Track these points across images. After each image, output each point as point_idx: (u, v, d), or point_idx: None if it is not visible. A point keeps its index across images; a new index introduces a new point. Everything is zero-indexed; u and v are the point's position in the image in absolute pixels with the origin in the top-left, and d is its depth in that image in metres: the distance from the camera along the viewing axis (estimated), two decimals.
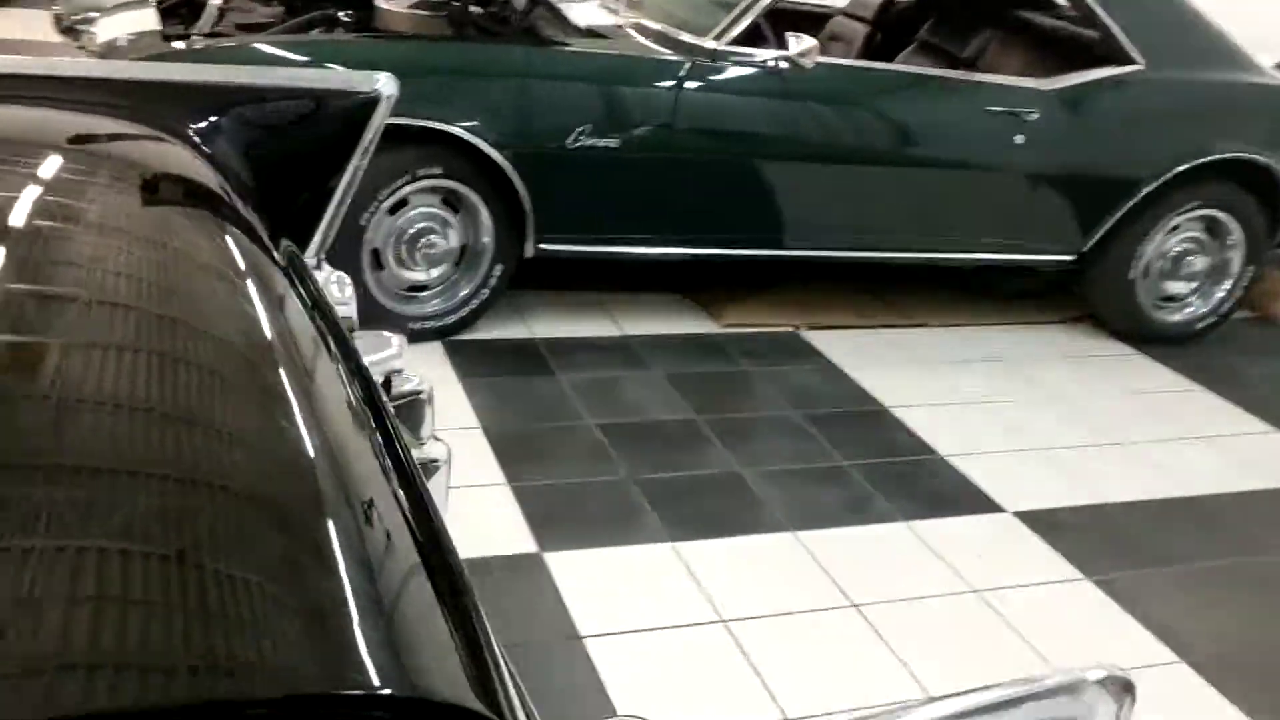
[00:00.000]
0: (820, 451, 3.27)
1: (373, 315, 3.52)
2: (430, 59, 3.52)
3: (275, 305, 1.26)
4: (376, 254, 3.51)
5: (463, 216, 3.59)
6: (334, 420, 1.08)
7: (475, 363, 3.55)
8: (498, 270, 3.64)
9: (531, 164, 3.48)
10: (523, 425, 3.21)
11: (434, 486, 1.90)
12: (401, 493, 1.04)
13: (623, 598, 2.53)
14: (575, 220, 3.67)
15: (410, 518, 1.00)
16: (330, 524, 0.91)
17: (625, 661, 2.34)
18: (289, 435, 0.99)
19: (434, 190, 3.52)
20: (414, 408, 1.93)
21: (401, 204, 3.49)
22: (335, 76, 2.09)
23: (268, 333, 1.18)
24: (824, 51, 4.29)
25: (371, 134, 2.03)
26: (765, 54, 3.66)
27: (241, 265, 1.34)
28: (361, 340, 1.95)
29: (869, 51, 4.65)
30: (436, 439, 1.95)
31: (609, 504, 2.88)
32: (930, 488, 3.16)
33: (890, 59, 4.41)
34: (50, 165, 1.49)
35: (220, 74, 2.06)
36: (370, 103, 2.03)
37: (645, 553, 2.70)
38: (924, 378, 3.85)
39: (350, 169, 2.03)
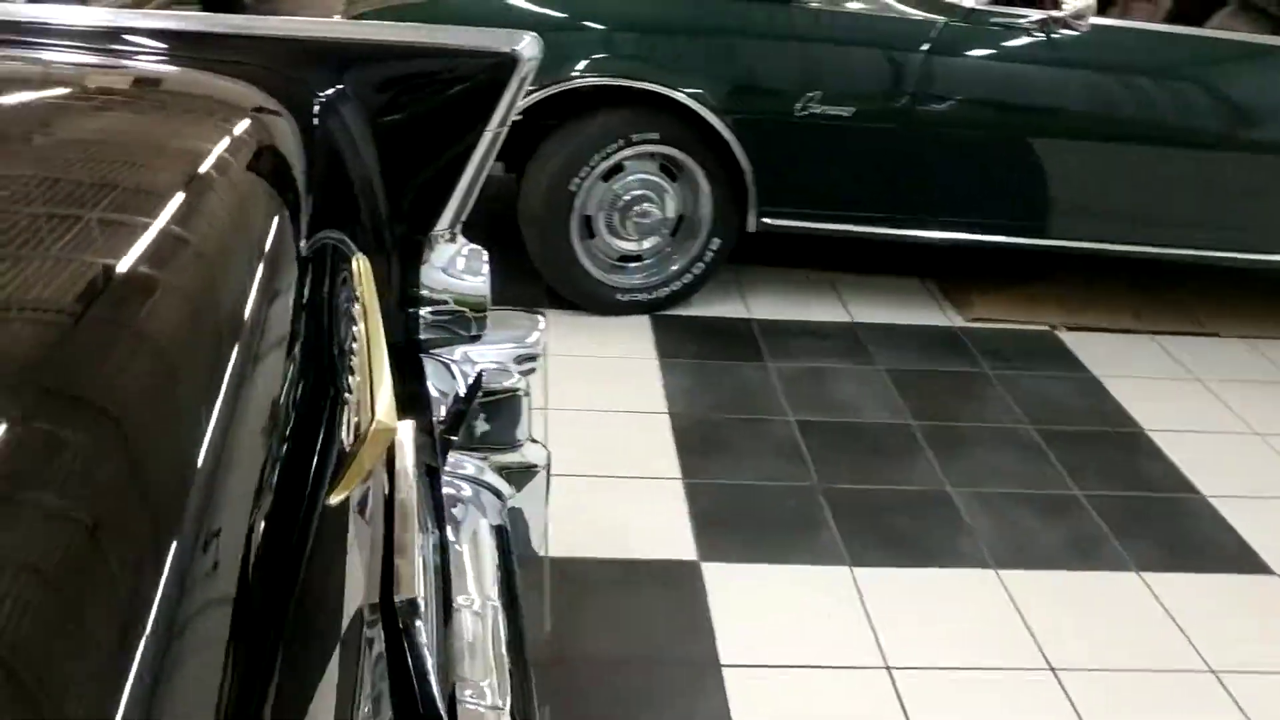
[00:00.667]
0: (1051, 476, 2.84)
1: (579, 285, 3.39)
2: (652, 15, 3.32)
3: (248, 300, 1.09)
4: (587, 221, 3.36)
5: (680, 185, 3.38)
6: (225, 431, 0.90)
7: (680, 341, 3.35)
8: (715, 244, 3.41)
9: (755, 132, 3.21)
10: (714, 414, 2.98)
11: (529, 494, 1.74)
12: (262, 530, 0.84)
13: (778, 624, 2.27)
14: (802, 194, 3.37)
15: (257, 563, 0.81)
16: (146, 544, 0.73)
17: (764, 700, 2.08)
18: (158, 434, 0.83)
19: (651, 156, 3.32)
20: (507, 406, 1.76)
21: (616, 170, 3.31)
22: (470, 35, 1.91)
23: (217, 327, 1.01)
24: (1126, 13, 3.73)
25: (508, 100, 1.84)
26: (1032, 14, 3.20)
27: (242, 249, 1.17)
28: (494, 319, 1.80)
29: (1179, 12, 4.02)
30: (534, 441, 1.76)
31: (787, 513, 2.61)
32: (1179, 534, 2.67)
33: (1202, 21, 3.77)
34: (115, 121, 1.42)
35: (344, 30, 1.95)
36: (507, 65, 1.85)
37: (816, 575, 2.42)
38: (1199, 399, 3.29)
39: (485, 138, 1.86)
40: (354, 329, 1.20)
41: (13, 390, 0.78)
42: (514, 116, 1.82)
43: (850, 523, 2.58)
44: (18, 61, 1.53)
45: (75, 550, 0.68)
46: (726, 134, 3.19)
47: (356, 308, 1.23)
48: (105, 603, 0.66)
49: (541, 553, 1.71)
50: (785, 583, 2.39)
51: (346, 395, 1.09)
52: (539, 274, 3.41)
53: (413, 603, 1.05)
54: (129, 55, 1.66)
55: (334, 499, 0.97)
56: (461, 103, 1.84)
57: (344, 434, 1.04)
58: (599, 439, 2.82)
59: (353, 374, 1.13)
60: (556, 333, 3.32)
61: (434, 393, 1.74)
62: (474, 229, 1.89)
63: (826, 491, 2.69)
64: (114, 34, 1.62)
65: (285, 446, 0.94)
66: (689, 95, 3.15)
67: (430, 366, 1.77)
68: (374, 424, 1.06)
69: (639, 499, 2.60)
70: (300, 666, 0.82)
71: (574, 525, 2.47)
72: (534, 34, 1.80)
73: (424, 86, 1.85)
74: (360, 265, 1.33)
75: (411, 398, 1.66)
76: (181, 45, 1.70)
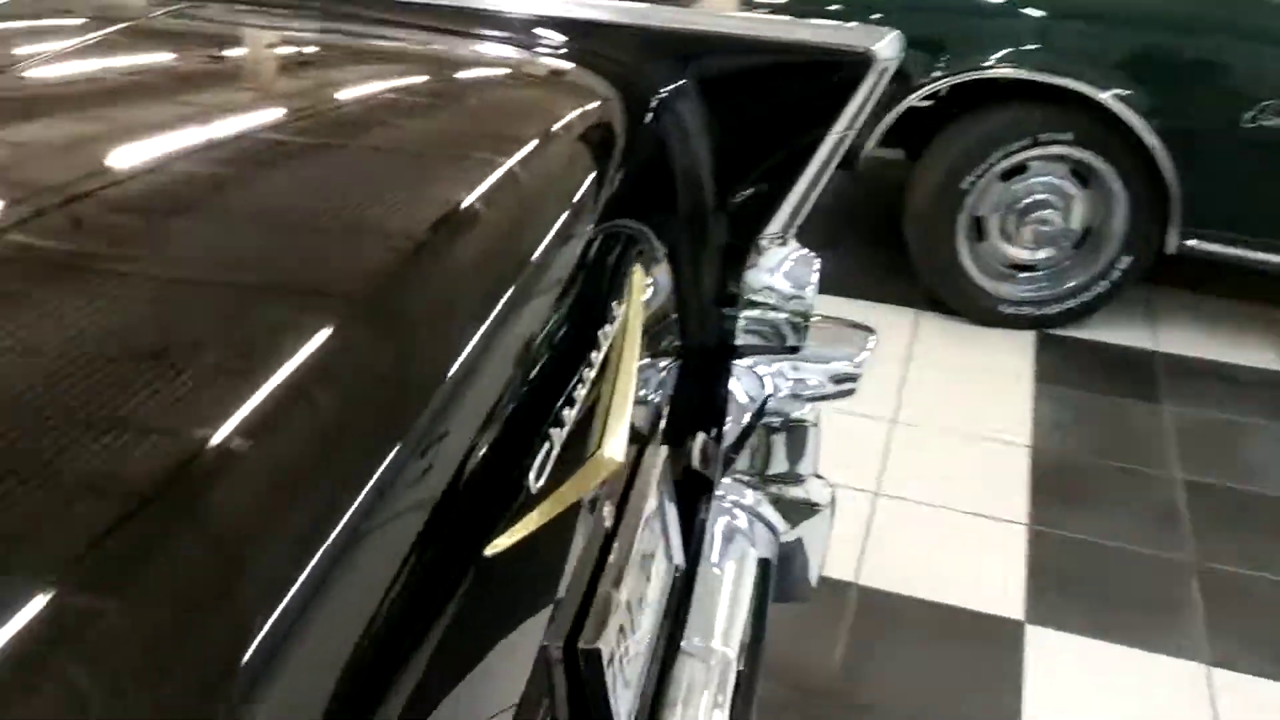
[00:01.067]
0: None
1: (960, 290, 3.15)
2: (1080, 3, 2.96)
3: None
4: (978, 222, 3.10)
5: (1091, 193, 3.02)
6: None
7: (1063, 365, 3.02)
8: (1124, 262, 3.02)
9: (1188, 142, 2.79)
10: (1084, 456, 2.66)
11: (807, 532, 1.60)
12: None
13: (1103, 713, 1.99)
14: (1237, 217, 2.90)
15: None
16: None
17: None
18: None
19: (1060, 159, 2.99)
20: (793, 436, 1.62)
21: (1018, 170, 3.02)
22: (825, 30, 1.75)
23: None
24: None
25: (858, 103, 1.67)
26: None
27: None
28: (822, 331, 1.69)
29: None
30: (819, 478, 1.62)
31: (1146, 587, 2.27)
32: None
33: None
34: (450, 97, 1.45)
35: (694, 20, 1.85)
36: (861, 65, 1.68)
37: (1164, 666, 2.09)
38: None
39: (828, 142, 1.71)
40: (610, 341, 1.14)
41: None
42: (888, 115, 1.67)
43: (1223, 613, 2.21)
44: (370, 39, 1.65)
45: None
46: (1153, 141, 2.80)
47: (618, 322, 1.17)
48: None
49: (809, 596, 1.57)
50: (1124, 667, 2.08)
51: (578, 409, 1.04)
52: (916, 273, 3.20)
53: (593, 654, 0.98)
54: (478, 37, 1.72)
55: (523, 523, 0.92)
56: (806, 103, 1.70)
57: (562, 450, 0.99)
58: (944, 463, 2.60)
59: (594, 389, 1.07)
60: (924, 337, 3.11)
61: (738, 400, 1.66)
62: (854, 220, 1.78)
63: (1202, 571, 2.32)
64: (469, 15, 1.68)
65: (494, 439, 0.91)
66: (1114, 96, 2.79)
67: (739, 375, 1.68)
68: (597, 454, 1.00)
69: (973, 538, 2.38)
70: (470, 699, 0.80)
71: (893, 555, 2.30)
72: (896, 32, 1.63)
73: (769, 82, 1.73)
74: (636, 277, 1.25)
75: (705, 406, 1.60)
76: (526, 29, 1.72)
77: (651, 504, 1.16)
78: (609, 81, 1.51)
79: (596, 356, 1.08)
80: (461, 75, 1.56)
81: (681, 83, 1.62)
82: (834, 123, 1.65)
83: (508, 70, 1.60)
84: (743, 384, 1.68)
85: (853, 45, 1.62)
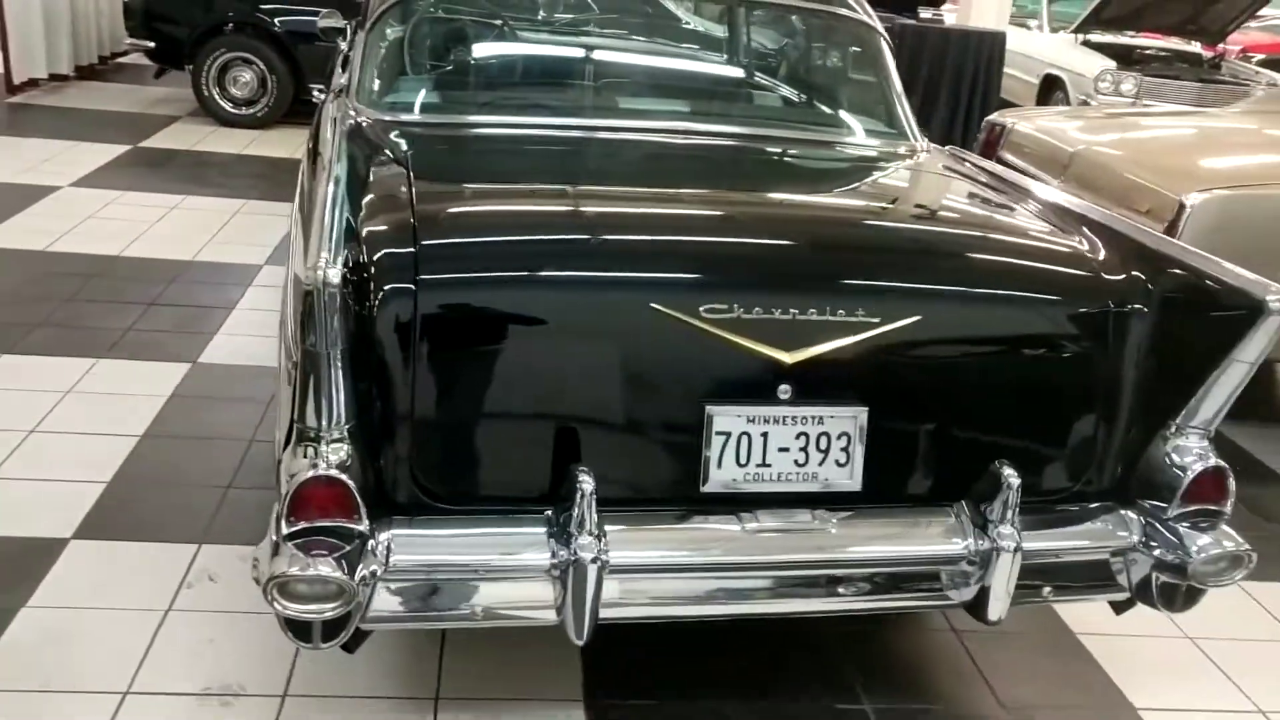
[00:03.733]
0: None
1: None
2: None
3: None
4: None
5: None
6: None
7: None
8: None
9: None
10: None
11: None
12: None
13: None
14: None
15: None
16: None
17: None
18: None
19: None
20: None
21: None
22: (1222, 269, 2.20)
23: None
24: None
25: (1246, 353, 2.08)
26: None
27: None
28: None
29: None
30: None
31: None
32: None
33: None
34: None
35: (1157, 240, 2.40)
36: (1252, 312, 2.06)
37: None
38: None
39: (1227, 367, 2.12)
40: None
41: None
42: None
43: None
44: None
45: None
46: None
47: None
48: None
49: None
50: None
51: None
52: None
53: None
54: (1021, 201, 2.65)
55: None
56: (1203, 330, 2.14)
57: None
58: None
59: None
60: None
61: None
62: None
63: None
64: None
65: None
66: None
67: None
68: None
69: None
70: None
71: None
72: None
73: (1181, 306, 2.18)
74: None
75: None
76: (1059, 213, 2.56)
77: None
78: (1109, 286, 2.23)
79: None
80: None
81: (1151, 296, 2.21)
82: (1224, 357, 2.12)
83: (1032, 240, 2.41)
84: None
85: (1248, 291, 2.09)
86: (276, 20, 7.69)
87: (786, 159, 2.83)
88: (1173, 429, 2.20)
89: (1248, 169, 4.11)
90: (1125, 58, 9.97)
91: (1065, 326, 2.22)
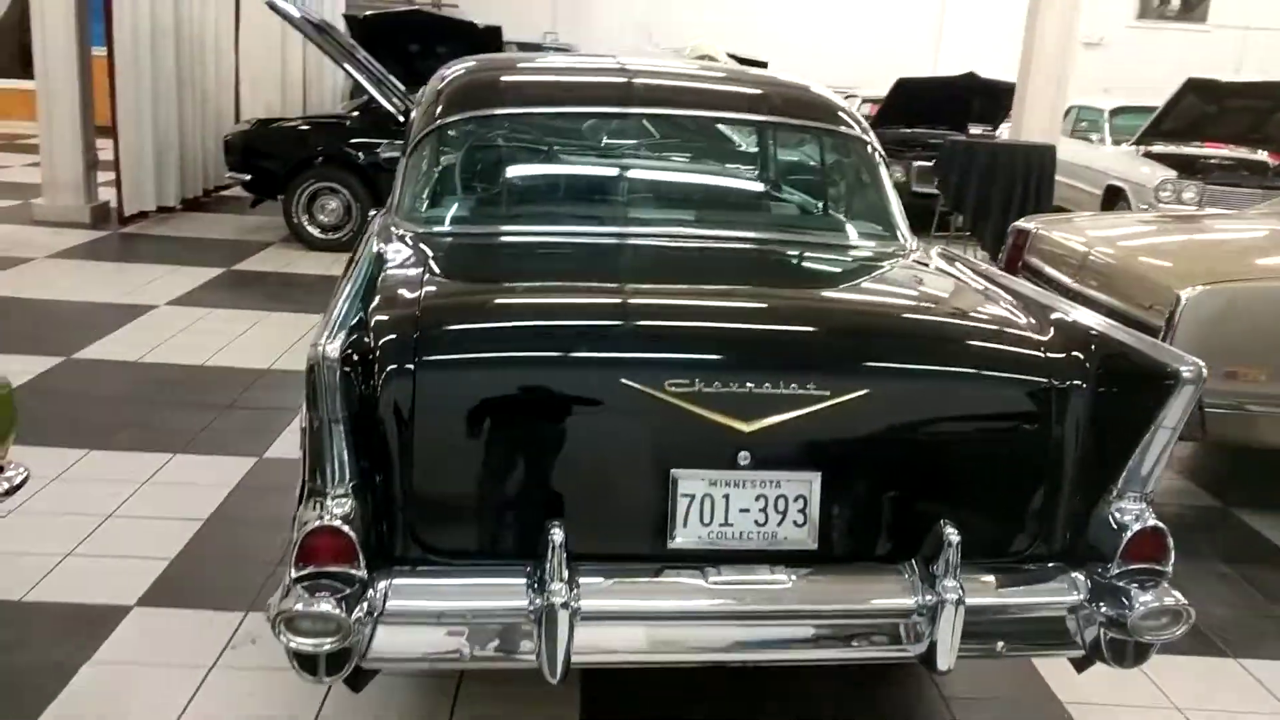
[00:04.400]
0: None
1: None
2: None
3: None
4: None
5: None
6: None
7: None
8: None
9: None
10: None
11: None
12: None
13: None
14: None
15: None
16: None
17: None
18: None
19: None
20: None
21: None
22: (1147, 346, 2.45)
23: None
24: None
25: (1169, 420, 2.31)
26: None
27: None
28: None
29: None
30: None
31: None
32: None
33: None
34: None
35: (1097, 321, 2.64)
36: (1167, 382, 2.30)
37: None
38: None
39: (1152, 434, 2.32)
40: None
41: None
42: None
43: None
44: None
45: None
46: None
47: None
48: None
49: None
50: None
51: None
52: None
53: None
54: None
55: None
56: (1132, 401, 2.35)
57: None
58: None
59: None
60: None
61: None
62: None
63: None
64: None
65: None
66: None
67: None
68: None
69: None
70: None
71: None
72: (1198, 361, 2.26)
73: (1113, 381, 2.41)
74: None
75: None
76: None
77: None
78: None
79: None
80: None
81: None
82: (1144, 432, 2.33)
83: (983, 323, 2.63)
84: None
85: (1163, 362, 2.33)
86: (361, 153, 8.32)
87: (773, 257, 3.11)
88: (1113, 493, 2.37)
89: (1250, 264, 4.26)
90: (1189, 167, 10.09)
91: (1008, 401, 2.43)
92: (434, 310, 2.38)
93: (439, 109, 3.34)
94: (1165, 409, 2.28)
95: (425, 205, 3.25)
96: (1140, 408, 2.33)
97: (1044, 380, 2.40)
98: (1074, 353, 2.44)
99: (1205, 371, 2.27)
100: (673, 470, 2.28)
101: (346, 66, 7.84)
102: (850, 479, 2.35)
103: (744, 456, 2.28)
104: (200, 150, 10.02)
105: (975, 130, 8.96)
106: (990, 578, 2.37)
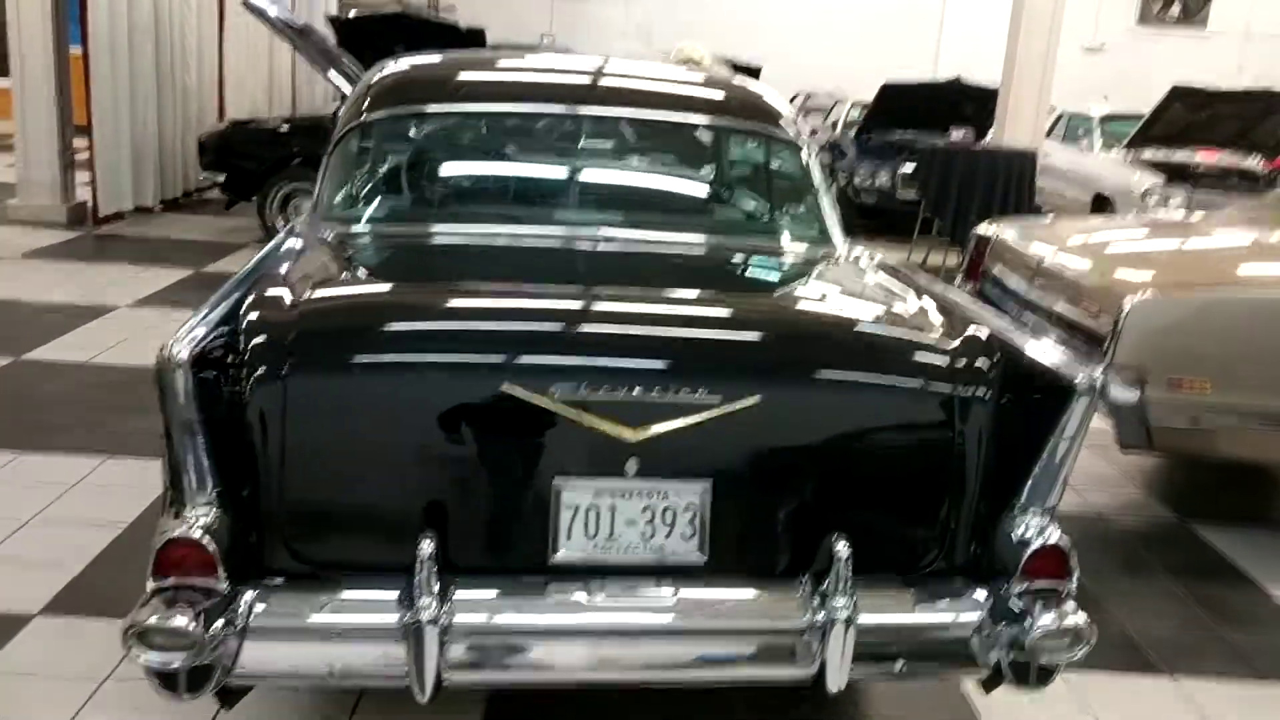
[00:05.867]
0: None
1: None
2: None
3: None
4: None
5: None
6: None
7: None
8: None
9: None
10: None
11: None
12: None
13: None
14: None
15: None
16: None
17: None
18: None
19: None
20: None
21: None
22: (1047, 356, 2.38)
23: None
24: None
25: (1067, 432, 2.25)
26: None
27: None
28: None
29: None
30: None
31: None
32: None
33: None
34: None
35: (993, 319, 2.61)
36: (1063, 393, 2.26)
37: None
38: None
39: (1044, 456, 2.27)
40: None
41: None
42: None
43: None
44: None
45: None
46: None
47: None
48: None
49: None
50: None
51: None
52: None
53: None
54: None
55: None
56: (1033, 412, 2.29)
57: None
58: None
59: None
60: None
61: None
62: None
63: None
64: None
65: None
66: None
67: None
68: None
69: None
70: None
71: None
72: (1101, 370, 2.06)
73: (1016, 390, 2.34)
74: None
75: None
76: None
77: None
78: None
79: None
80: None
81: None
82: (1044, 444, 2.28)
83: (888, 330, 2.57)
84: None
85: (1060, 371, 2.30)
86: None
87: (692, 261, 3.02)
88: (1016, 507, 2.29)
89: (1208, 271, 4.16)
90: (1179, 174, 9.98)
91: (909, 410, 2.34)
92: (313, 312, 2.30)
93: (365, 104, 3.27)
94: (1063, 420, 2.20)
95: (344, 203, 3.18)
96: (1040, 418, 2.25)
97: (946, 389, 2.31)
98: (978, 362, 2.36)
99: (1101, 382, 2.19)
100: (556, 480, 2.20)
101: (323, 72, 7.78)
102: (742, 490, 2.27)
103: (631, 465, 2.20)
104: (180, 151, 9.97)
105: (956, 135, 8.88)
106: (887, 594, 2.28)
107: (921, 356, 2.39)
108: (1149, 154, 10.27)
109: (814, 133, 15.10)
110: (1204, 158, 10.44)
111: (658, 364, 2.28)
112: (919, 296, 2.76)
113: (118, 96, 8.80)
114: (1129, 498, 4.55)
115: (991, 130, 9.75)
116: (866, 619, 2.18)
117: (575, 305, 2.55)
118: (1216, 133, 10.18)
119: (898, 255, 9.67)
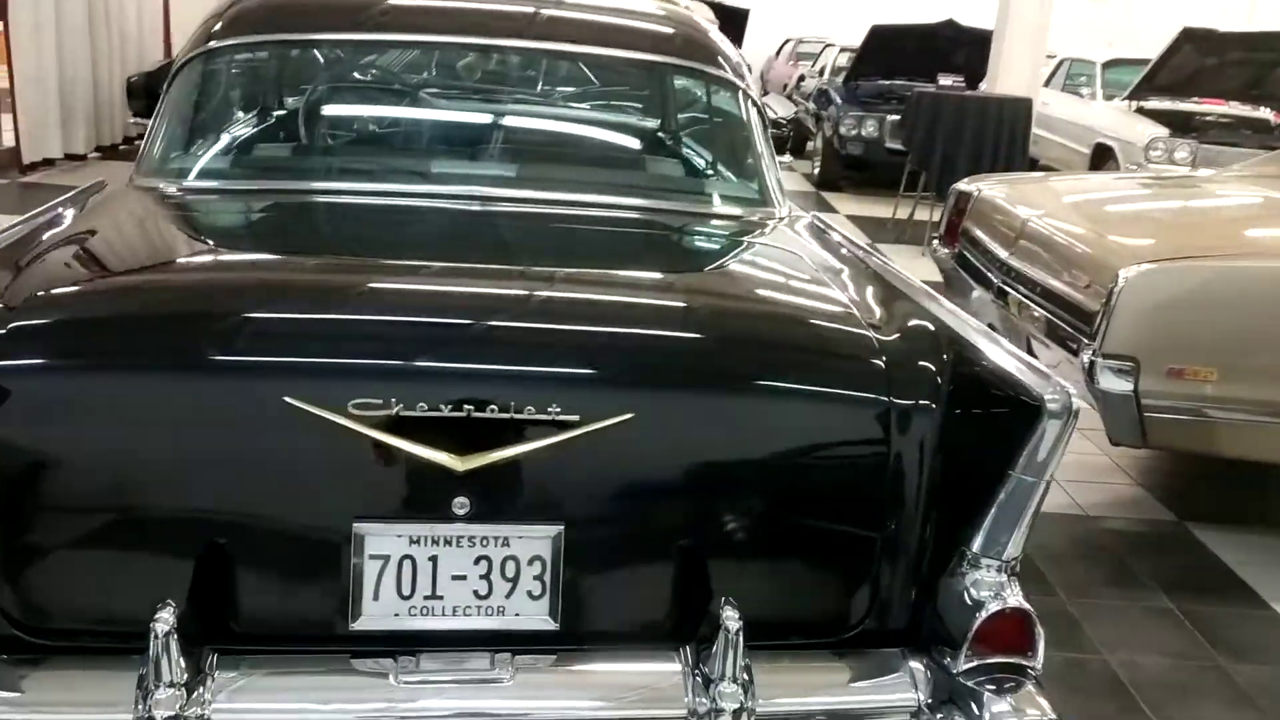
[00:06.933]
0: None
1: None
2: None
3: None
4: None
5: None
6: None
7: None
8: None
9: None
10: None
11: None
12: None
13: None
14: None
15: None
16: None
17: None
18: None
19: None
20: None
21: None
22: (1009, 361, 1.82)
23: None
24: None
25: (1029, 466, 1.68)
26: None
27: None
28: None
29: None
30: None
31: None
32: None
33: None
34: None
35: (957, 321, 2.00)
36: (1030, 413, 1.67)
37: None
38: None
39: (1009, 482, 1.70)
40: None
41: None
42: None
43: None
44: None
45: None
46: None
47: None
48: None
49: None
50: None
51: None
52: None
53: None
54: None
55: None
56: (990, 435, 1.75)
57: None
58: None
59: None
60: None
61: None
62: None
63: None
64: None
65: None
66: None
67: None
68: None
69: None
70: None
71: None
72: (1069, 388, 1.68)
73: (970, 406, 1.79)
74: None
75: None
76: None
77: None
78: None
79: None
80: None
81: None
82: (1011, 464, 1.68)
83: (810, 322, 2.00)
84: None
85: (1030, 389, 1.69)
86: None
87: (582, 228, 2.45)
88: (967, 558, 1.75)
89: (1213, 237, 3.60)
90: (1184, 125, 9.41)
91: (829, 426, 1.80)
92: (32, 303, 1.75)
93: (216, 27, 2.70)
94: (1029, 446, 1.66)
95: (166, 156, 2.62)
96: (1001, 443, 1.70)
97: (878, 398, 1.77)
98: (921, 363, 1.81)
99: (1075, 404, 1.65)
100: (357, 525, 1.66)
101: None
102: (606, 535, 1.73)
103: (460, 504, 1.67)
104: (119, 95, 9.32)
105: (945, 81, 8.24)
106: (795, 670, 1.76)
107: (847, 355, 1.84)
108: (1154, 103, 9.69)
109: (802, 79, 14.44)
110: (1211, 107, 9.84)
111: (497, 367, 1.73)
112: (859, 278, 2.21)
113: (41, 32, 8.16)
114: (1120, 493, 4.03)
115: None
116: (766, 706, 1.65)
117: (395, 287, 1.99)
118: (1226, 81, 9.58)
119: (883, 210, 9.12)
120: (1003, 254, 3.89)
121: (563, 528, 1.69)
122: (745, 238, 2.51)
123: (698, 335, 1.93)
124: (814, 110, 11.34)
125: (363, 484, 1.67)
